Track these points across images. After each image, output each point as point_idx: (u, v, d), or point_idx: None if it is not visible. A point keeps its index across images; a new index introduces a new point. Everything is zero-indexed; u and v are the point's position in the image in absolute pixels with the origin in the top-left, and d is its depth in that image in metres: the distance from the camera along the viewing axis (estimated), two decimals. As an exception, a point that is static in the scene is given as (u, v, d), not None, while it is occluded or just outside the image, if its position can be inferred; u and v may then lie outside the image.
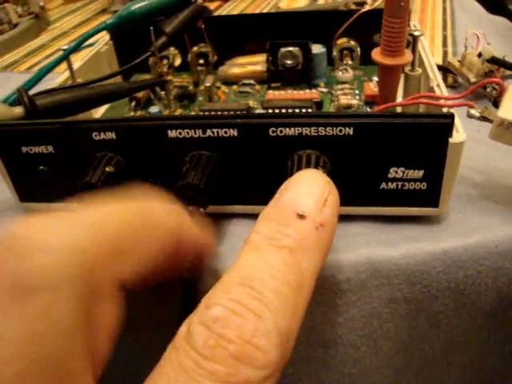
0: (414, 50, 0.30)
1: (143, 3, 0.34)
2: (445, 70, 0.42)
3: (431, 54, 0.34)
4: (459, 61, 0.40)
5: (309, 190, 0.19)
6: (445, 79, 0.42)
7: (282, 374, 0.21)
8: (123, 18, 0.34)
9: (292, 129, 0.24)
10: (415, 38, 0.30)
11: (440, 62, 0.46)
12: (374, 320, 0.27)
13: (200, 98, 0.37)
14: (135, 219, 0.18)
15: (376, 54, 0.28)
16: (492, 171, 0.31)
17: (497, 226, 0.27)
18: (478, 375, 0.33)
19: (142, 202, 0.19)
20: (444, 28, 0.54)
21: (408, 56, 0.28)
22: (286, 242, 0.17)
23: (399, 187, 0.25)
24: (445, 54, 0.48)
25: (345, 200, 0.26)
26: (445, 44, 0.50)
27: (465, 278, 0.27)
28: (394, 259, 0.26)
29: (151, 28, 0.33)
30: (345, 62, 0.38)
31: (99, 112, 0.37)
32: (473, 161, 0.31)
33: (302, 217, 0.18)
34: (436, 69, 0.31)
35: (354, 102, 0.33)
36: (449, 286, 0.27)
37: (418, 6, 0.62)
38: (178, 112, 0.36)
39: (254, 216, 0.28)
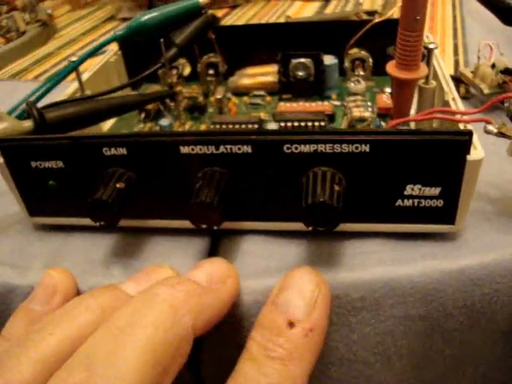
0: (428, 63, 0.29)
1: (154, 14, 0.34)
2: (457, 80, 0.42)
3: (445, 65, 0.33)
4: (472, 72, 0.40)
5: (299, 294, 0.21)
6: (457, 90, 0.42)
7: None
8: (133, 29, 0.33)
9: (307, 146, 0.23)
10: (430, 51, 0.29)
11: (451, 71, 0.46)
12: (387, 338, 0.27)
13: (210, 110, 0.37)
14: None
15: (391, 68, 0.28)
16: (508, 185, 0.30)
17: (513, 242, 0.26)
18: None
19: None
20: (454, 36, 0.53)
21: (423, 70, 0.28)
22: (278, 352, 0.20)
23: (415, 204, 0.25)
24: (456, 63, 0.47)
25: (360, 217, 0.26)
26: (456, 53, 0.49)
27: (481, 296, 0.26)
28: (409, 277, 0.25)
29: (161, 40, 0.32)
30: (356, 72, 0.38)
31: (108, 123, 0.37)
32: (489, 175, 0.30)
33: (292, 324, 0.20)
34: (451, 82, 0.31)
35: (367, 114, 0.33)
36: (465, 303, 0.26)
37: (427, 14, 0.61)
38: (189, 124, 0.35)
39: (267, 233, 0.27)
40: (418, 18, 0.26)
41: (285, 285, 0.22)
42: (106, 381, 0.16)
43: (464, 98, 0.41)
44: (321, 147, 0.23)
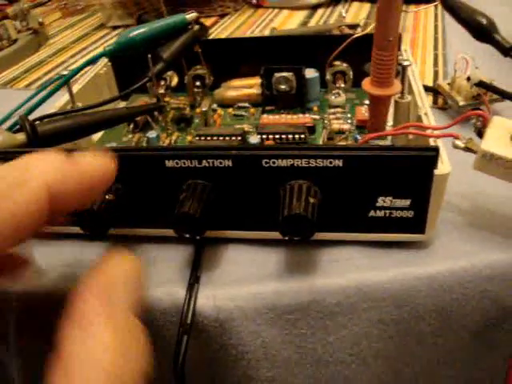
0: (403, 80, 0.31)
1: (142, 30, 0.35)
2: (435, 91, 0.44)
3: (420, 79, 0.35)
4: (449, 84, 0.41)
5: None
6: (435, 101, 0.44)
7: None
8: (122, 44, 0.35)
9: (284, 160, 0.25)
10: (404, 68, 0.31)
11: (431, 82, 0.48)
12: (363, 340, 0.28)
13: (197, 121, 0.38)
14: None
15: (366, 85, 0.30)
16: (478, 196, 0.32)
17: (481, 251, 0.28)
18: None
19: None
20: (435, 47, 0.55)
21: (397, 86, 0.30)
22: None
23: (387, 215, 0.26)
24: (436, 74, 0.49)
25: (335, 226, 0.28)
26: (436, 64, 0.51)
27: (451, 301, 0.28)
28: (382, 283, 0.27)
29: (149, 56, 0.34)
30: (338, 84, 0.40)
31: (98, 134, 0.38)
32: (460, 186, 0.32)
33: None
34: (425, 96, 0.32)
35: (346, 126, 0.34)
36: (435, 308, 0.28)
37: (410, 23, 0.63)
38: (175, 135, 0.37)
39: (248, 241, 0.29)
40: (391, 39, 0.27)
41: None
42: None
43: (441, 108, 0.43)
44: (297, 162, 0.25)
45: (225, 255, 0.29)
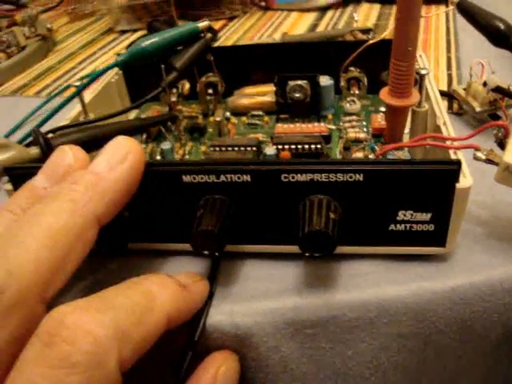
0: (420, 89, 0.30)
1: (154, 39, 0.35)
2: (450, 96, 0.43)
3: (437, 86, 0.34)
4: (464, 89, 0.41)
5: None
6: (450, 106, 0.43)
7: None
8: (135, 54, 0.34)
9: (303, 175, 0.25)
10: (422, 77, 0.30)
11: (445, 86, 0.47)
12: (382, 354, 0.28)
13: (210, 130, 0.38)
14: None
15: (384, 95, 0.29)
16: (498, 206, 0.31)
17: (501, 263, 0.27)
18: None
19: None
20: (448, 49, 0.54)
21: (415, 96, 0.29)
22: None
23: (407, 228, 0.26)
24: (449, 77, 0.48)
25: (355, 240, 0.27)
26: (449, 67, 0.50)
27: (471, 314, 0.27)
28: (401, 298, 0.26)
29: (162, 66, 0.33)
30: (352, 91, 0.39)
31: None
32: (479, 195, 0.31)
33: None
34: (442, 105, 0.32)
35: (362, 135, 0.34)
36: (455, 321, 0.27)
37: (421, 25, 0.62)
38: (189, 145, 0.37)
39: (266, 255, 0.29)
40: (410, 49, 0.27)
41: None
42: (8, 260, 0.19)
43: (457, 113, 0.42)
44: (316, 176, 0.24)
45: (242, 270, 0.28)
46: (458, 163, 0.24)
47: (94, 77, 0.34)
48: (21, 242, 0.20)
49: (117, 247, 0.27)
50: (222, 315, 0.26)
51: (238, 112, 0.40)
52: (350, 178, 0.24)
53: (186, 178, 0.26)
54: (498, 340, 0.29)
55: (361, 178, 0.24)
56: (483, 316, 0.27)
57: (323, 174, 0.24)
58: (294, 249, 0.26)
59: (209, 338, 0.26)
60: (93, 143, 0.32)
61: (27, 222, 0.21)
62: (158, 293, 0.21)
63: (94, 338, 0.18)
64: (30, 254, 0.20)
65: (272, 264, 0.28)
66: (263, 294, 0.27)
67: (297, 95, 0.37)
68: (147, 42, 0.35)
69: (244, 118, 0.39)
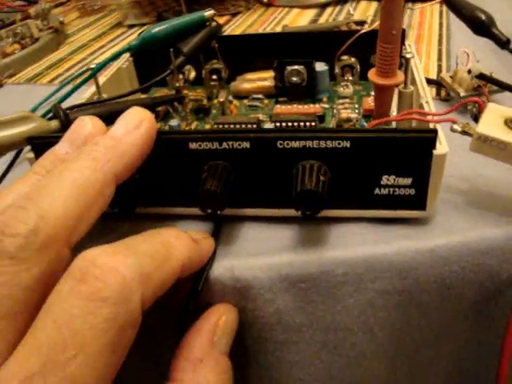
0: (406, 71, 0.33)
1: (164, 26, 0.38)
2: (438, 84, 0.46)
3: (424, 71, 0.37)
4: (451, 76, 0.44)
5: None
6: (438, 93, 0.46)
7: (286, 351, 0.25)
8: (146, 40, 0.38)
9: (297, 142, 0.27)
10: (407, 60, 0.33)
11: (435, 76, 0.50)
12: (368, 309, 0.31)
13: (214, 111, 0.41)
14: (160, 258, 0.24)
15: (371, 75, 0.32)
16: (478, 179, 0.34)
17: (478, 227, 0.30)
18: (466, 365, 0.37)
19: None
20: (439, 43, 0.57)
21: (400, 77, 0.32)
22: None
23: (391, 193, 0.29)
24: (439, 68, 0.51)
25: (343, 204, 0.30)
26: (440, 58, 0.53)
27: (450, 273, 0.30)
28: (386, 256, 0.29)
29: (171, 50, 0.37)
30: (346, 77, 0.42)
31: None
32: (460, 169, 0.34)
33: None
34: (426, 87, 0.35)
35: (354, 115, 0.37)
36: (435, 279, 0.30)
37: (416, 21, 0.65)
38: (195, 124, 0.40)
39: (264, 219, 0.32)
40: (394, 32, 0.30)
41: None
42: (40, 206, 0.22)
43: (444, 100, 0.45)
44: (308, 143, 0.27)
45: (242, 231, 0.31)
46: (434, 131, 0.27)
47: (109, 60, 0.38)
48: (50, 192, 0.23)
49: (128, 208, 0.30)
50: (224, 269, 0.29)
51: (240, 96, 0.42)
52: (339, 144, 0.27)
53: (192, 145, 0.29)
54: (476, 301, 0.32)
55: (348, 145, 0.27)
56: (461, 275, 0.30)
57: (314, 141, 0.27)
58: (289, 212, 0.29)
59: (211, 290, 0.29)
60: (107, 118, 0.34)
61: (54, 176, 0.24)
62: (174, 243, 0.24)
63: (121, 277, 0.20)
64: (59, 203, 0.22)
65: (269, 226, 0.31)
66: (261, 252, 0.30)
67: (294, 79, 0.40)
68: (157, 29, 0.38)
69: (245, 101, 0.42)
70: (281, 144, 0.28)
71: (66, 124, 0.33)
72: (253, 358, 0.32)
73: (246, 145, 0.28)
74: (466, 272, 0.30)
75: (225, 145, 0.28)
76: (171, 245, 0.24)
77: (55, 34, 0.69)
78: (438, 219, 0.31)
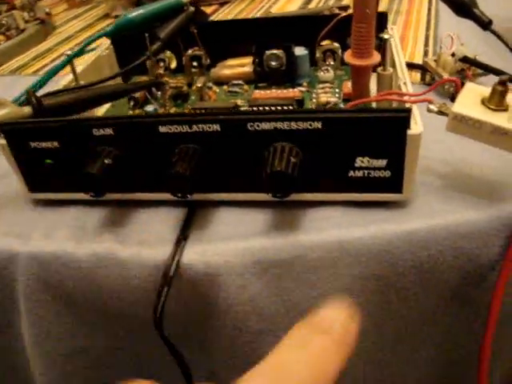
0: (383, 52, 0.33)
1: (140, 11, 0.37)
2: (423, 68, 0.45)
3: (410, 56, 0.37)
4: (435, 60, 0.43)
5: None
6: (423, 78, 0.45)
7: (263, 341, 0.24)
8: (121, 25, 0.37)
9: (268, 123, 0.27)
10: (385, 41, 0.33)
11: (420, 61, 0.49)
12: (345, 294, 0.30)
13: (193, 98, 0.41)
14: None
15: (347, 56, 0.31)
16: (459, 163, 0.33)
17: (457, 210, 0.29)
18: (451, 352, 0.36)
19: None
20: (427, 28, 0.57)
21: (376, 57, 0.31)
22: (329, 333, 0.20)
23: (366, 175, 0.28)
24: (426, 53, 0.51)
25: (317, 187, 0.29)
26: (426, 44, 0.53)
27: (428, 257, 0.29)
28: (361, 239, 0.29)
29: (146, 34, 0.36)
30: (327, 62, 0.41)
31: (101, 111, 0.40)
32: (441, 153, 0.34)
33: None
34: (405, 68, 0.34)
35: (333, 99, 0.36)
36: (414, 264, 0.29)
37: (404, 8, 0.65)
38: (173, 110, 0.39)
39: (237, 203, 0.31)
40: (368, 11, 0.29)
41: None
42: None
43: (429, 84, 0.44)
44: (280, 125, 0.27)
45: (215, 217, 0.31)
46: (408, 111, 0.26)
47: (85, 45, 0.37)
48: None
49: (99, 192, 0.30)
50: (195, 255, 0.28)
51: (221, 82, 0.42)
52: (310, 125, 0.27)
53: (162, 129, 0.28)
54: (457, 286, 0.31)
55: (319, 126, 0.27)
56: (439, 260, 0.30)
57: (285, 123, 0.27)
58: (262, 196, 0.28)
59: (182, 276, 0.28)
60: (82, 104, 0.34)
61: None
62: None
63: None
64: None
65: (242, 211, 0.31)
66: (233, 236, 0.29)
67: (273, 64, 0.39)
68: (133, 14, 0.37)
69: (225, 87, 0.41)
70: (251, 126, 0.27)
71: (38, 110, 0.32)
72: (229, 350, 0.31)
73: (217, 127, 0.28)
74: (445, 256, 0.30)
75: (195, 128, 0.28)
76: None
77: (42, 26, 0.69)
78: (416, 202, 0.30)
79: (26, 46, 0.65)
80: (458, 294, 0.32)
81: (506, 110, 0.27)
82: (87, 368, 0.35)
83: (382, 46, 0.33)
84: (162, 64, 0.44)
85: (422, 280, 0.30)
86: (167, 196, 0.29)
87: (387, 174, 0.28)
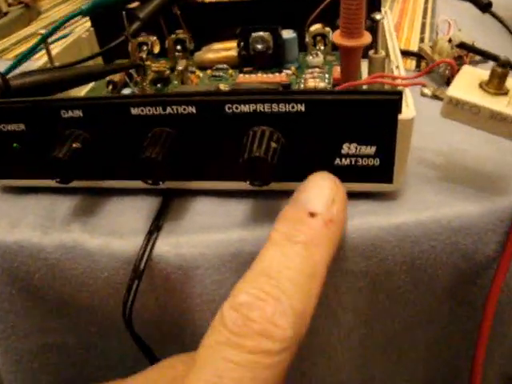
0: (375, 33, 0.31)
1: (117, -12, 0.35)
2: (419, 56, 0.43)
3: (406, 43, 0.35)
4: (431, 46, 0.41)
5: (319, 193, 0.23)
6: (418, 65, 0.43)
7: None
8: (98, 2, 0.35)
9: (247, 105, 0.25)
10: (377, 22, 0.31)
11: (416, 48, 0.47)
12: (330, 291, 0.28)
13: (175, 82, 0.38)
14: None
15: (335, 37, 0.29)
16: (454, 153, 0.32)
17: (451, 203, 0.27)
18: (443, 353, 0.34)
19: None
20: (424, 16, 0.55)
21: (367, 38, 0.29)
22: (300, 238, 0.22)
23: (353, 163, 0.26)
24: (421, 40, 0.49)
25: (301, 176, 0.27)
26: (423, 31, 0.51)
27: (420, 253, 0.27)
28: (347, 233, 0.27)
29: (124, 12, 0.34)
30: (318, 47, 0.39)
31: (79, 95, 0.38)
32: (436, 143, 0.32)
33: (312, 215, 0.22)
34: (398, 52, 0.32)
35: (322, 84, 0.34)
36: (404, 260, 0.28)
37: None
38: (152, 94, 0.37)
39: (214, 193, 0.29)
40: (358, -13, 0.27)
41: (304, 186, 0.24)
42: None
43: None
44: (260, 107, 0.25)
45: (191, 206, 0.29)
46: (399, 93, 0.24)
47: (60, 24, 0.35)
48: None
49: (66, 178, 0.28)
50: (168, 246, 0.26)
51: (205, 66, 0.40)
52: (292, 108, 0.25)
53: (134, 111, 0.26)
54: (451, 284, 0.29)
55: (303, 109, 0.24)
56: (432, 256, 0.28)
57: (266, 105, 0.25)
58: (241, 185, 0.26)
59: (154, 269, 0.26)
60: (54, 85, 0.32)
61: None
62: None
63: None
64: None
65: (219, 200, 0.29)
66: (209, 227, 0.27)
67: (259, 47, 0.37)
68: (110, -9, 0.35)
69: (209, 71, 0.39)
70: (229, 108, 0.25)
71: (4, 90, 0.30)
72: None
73: (192, 109, 0.25)
74: (437, 252, 0.28)
75: (169, 110, 0.26)
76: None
77: (26, 9, 0.66)
78: (407, 194, 0.28)
79: (8, 31, 0.63)
80: (451, 292, 0.30)
81: (505, 94, 0.25)
82: (57, 365, 0.33)
83: (374, 28, 0.31)
84: (144, 48, 0.42)
85: (413, 278, 0.29)
86: (139, 184, 0.27)
87: (376, 162, 0.26)
